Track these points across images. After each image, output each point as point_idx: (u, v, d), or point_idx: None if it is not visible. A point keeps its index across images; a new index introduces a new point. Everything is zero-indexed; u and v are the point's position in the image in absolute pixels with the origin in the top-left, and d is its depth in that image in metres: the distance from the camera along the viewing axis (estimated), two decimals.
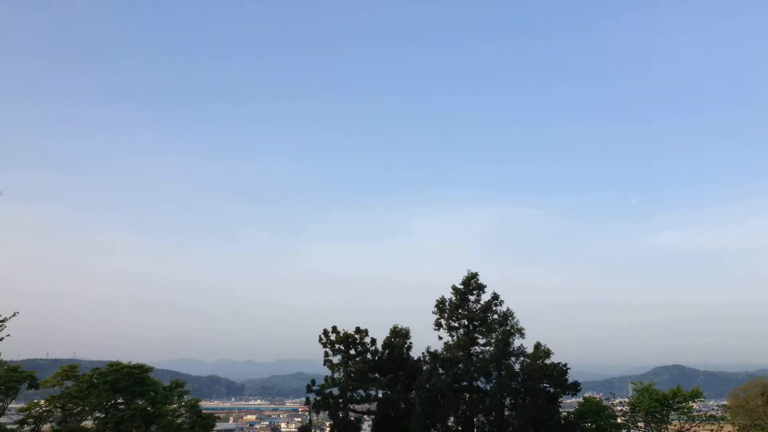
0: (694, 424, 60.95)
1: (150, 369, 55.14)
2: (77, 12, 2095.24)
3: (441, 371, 57.25)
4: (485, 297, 59.45)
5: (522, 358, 57.15)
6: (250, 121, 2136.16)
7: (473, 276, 59.74)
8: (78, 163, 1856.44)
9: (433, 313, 59.69)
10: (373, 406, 61.74)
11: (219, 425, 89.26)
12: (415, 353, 63.60)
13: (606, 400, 65.96)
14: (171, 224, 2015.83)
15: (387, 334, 64.90)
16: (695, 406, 66.94)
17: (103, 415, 50.32)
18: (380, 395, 61.55)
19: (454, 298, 59.46)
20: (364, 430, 62.60)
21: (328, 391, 61.27)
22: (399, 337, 64.52)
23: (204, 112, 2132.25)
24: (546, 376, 57.02)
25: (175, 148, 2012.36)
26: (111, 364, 53.33)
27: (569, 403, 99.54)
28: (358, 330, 62.65)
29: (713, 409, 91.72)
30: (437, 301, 59.78)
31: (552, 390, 57.85)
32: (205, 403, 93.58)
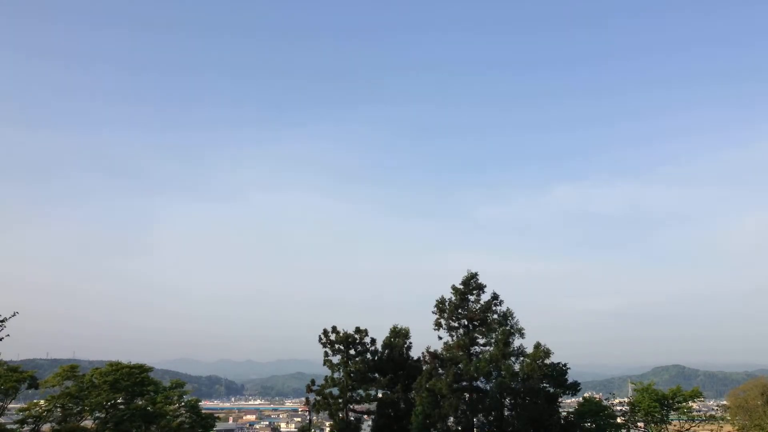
0: (693, 424, 60.96)
1: (150, 369, 55.37)
2: None
3: (441, 371, 57.18)
4: (485, 297, 59.51)
5: (522, 358, 57.16)
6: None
7: (473, 276, 59.65)
8: None
9: (433, 313, 59.62)
10: (373, 406, 61.75)
11: (219, 425, 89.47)
12: (415, 353, 63.74)
13: (606, 400, 66.07)
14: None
15: (387, 334, 65.06)
16: (695, 406, 67.00)
17: (103, 415, 50.42)
18: (380, 395, 61.55)
19: (453, 298, 59.39)
20: (364, 430, 62.65)
21: (328, 391, 61.32)
22: (399, 337, 64.59)
23: None
24: (546, 376, 57.09)
25: None
26: (111, 364, 53.45)
27: (569, 403, 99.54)
28: (357, 330, 62.66)
29: (713, 409, 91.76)
30: (437, 301, 59.69)
31: (552, 390, 57.95)
32: (204, 403, 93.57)
